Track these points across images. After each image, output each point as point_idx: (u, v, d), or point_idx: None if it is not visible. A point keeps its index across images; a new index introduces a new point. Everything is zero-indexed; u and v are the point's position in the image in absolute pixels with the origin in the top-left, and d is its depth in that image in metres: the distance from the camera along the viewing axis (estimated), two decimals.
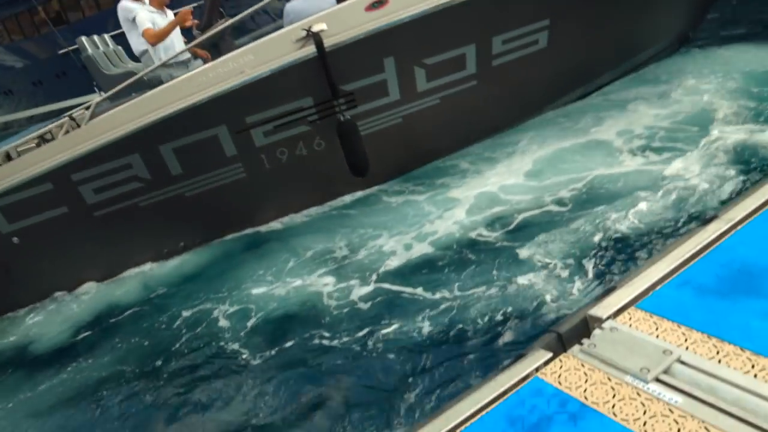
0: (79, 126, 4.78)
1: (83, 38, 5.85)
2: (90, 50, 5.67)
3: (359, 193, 5.55)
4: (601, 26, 5.65)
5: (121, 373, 4.12)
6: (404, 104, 5.21)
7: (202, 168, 5.05)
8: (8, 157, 4.95)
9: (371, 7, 4.73)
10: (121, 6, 5.16)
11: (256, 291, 4.54)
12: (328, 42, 4.65)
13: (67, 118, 4.90)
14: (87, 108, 4.82)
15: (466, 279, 3.94)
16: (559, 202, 4.54)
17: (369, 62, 4.89)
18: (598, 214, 4.20)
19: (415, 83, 5.13)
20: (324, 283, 4.40)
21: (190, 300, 4.69)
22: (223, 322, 4.30)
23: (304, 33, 4.62)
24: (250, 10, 4.96)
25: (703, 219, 2.45)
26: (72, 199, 4.96)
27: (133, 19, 5.11)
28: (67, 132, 4.79)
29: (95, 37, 5.99)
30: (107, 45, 6.04)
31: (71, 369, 4.36)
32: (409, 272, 4.25)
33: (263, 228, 5.45)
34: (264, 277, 4.69)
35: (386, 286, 4.17)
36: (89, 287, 5.37)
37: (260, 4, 4.93)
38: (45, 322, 5.11)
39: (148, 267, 5.41)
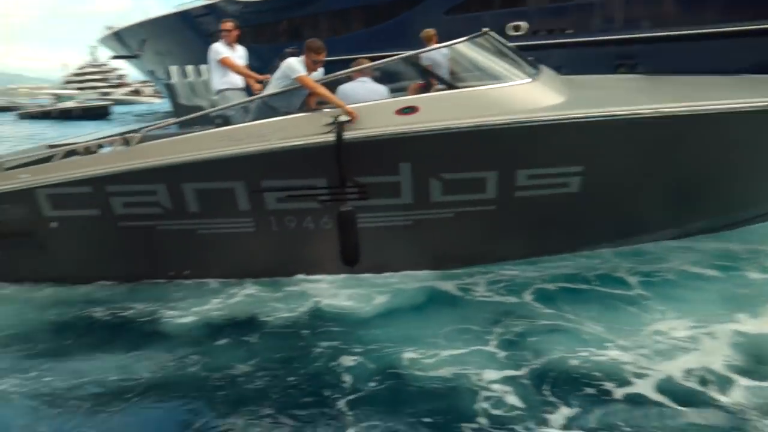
0: (128, 145, 5.43)
1: (173, 67, 6.47)
2: (175, 79, 6.28)
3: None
4: (658, 182, 5.26)
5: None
6: (416, 209, 5.25)
7: (216, 213, 5.42)
8: (73, 153, 5.82)
9: (402, 111, 4.89)
10: (211, 47, 6.12)
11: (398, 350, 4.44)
12: (352, 134, 4.83)
13: (119, 137, 5.63)
14: (138, 132, 5.52)
15: None
16: None
17: (385, 162, 5.00)
18: None
19: (429, 193, 5.09)
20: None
21: None
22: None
23: (331, 119, 4.86)
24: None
25: None
26: (103, 206, 5.49)
27: (218, 61, 6.07)
28: (119, 147, 5.49)
29: (188, 67, 6.60)
30: (199, 75, 6.68)
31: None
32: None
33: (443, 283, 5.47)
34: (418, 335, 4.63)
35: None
36: (102, 285, 5.92)
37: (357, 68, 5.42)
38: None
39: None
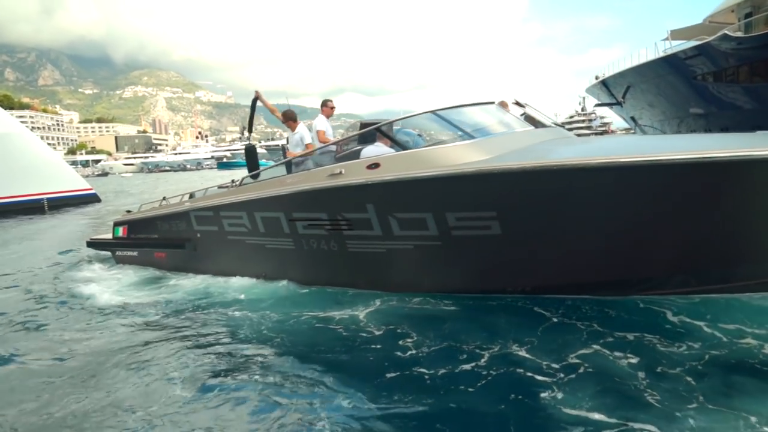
0: (233, 186, 8.37)
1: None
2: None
3: None
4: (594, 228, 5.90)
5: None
6: (386, 240, 6.82)
7: (271, 233, 7.96)
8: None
9: (370, 167, 6.72)
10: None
11: None
12: (334, 182, 6.93)
13: (239, 179, 8.58)
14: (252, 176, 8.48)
15: None
16: None
17: (358, 202, 6.82)
18: None
19: (392, 228, 6.72)
20: None
21: None
22: None
23: (330, 172, 6.99)
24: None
25: None
26: (219, 225, 8.57)
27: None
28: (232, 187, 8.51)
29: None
30: None
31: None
32: None
33: None
34: None
35: None
36: (236, 281, 8.57)
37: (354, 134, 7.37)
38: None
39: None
